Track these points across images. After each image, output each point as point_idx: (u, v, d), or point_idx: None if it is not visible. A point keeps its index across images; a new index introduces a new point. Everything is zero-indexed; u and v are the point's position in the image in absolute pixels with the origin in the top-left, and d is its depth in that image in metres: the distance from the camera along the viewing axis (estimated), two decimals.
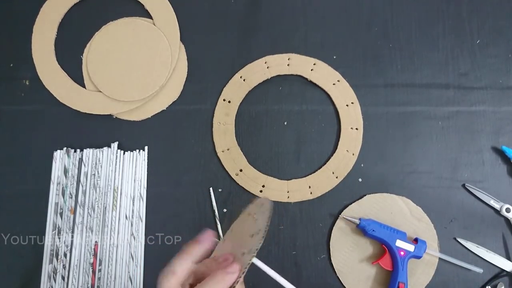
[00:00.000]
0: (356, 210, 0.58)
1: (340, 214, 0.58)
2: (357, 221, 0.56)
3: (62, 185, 0.60)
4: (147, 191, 0.60)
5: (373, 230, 0.55)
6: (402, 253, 0.54)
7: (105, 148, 0.61)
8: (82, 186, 0.60)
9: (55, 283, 0.57)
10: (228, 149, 0.61)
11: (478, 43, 0.64)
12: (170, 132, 0.62)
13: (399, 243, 0.54)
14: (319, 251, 0.58)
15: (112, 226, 0.58)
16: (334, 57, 0.64)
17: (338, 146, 0.60)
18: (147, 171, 0.61)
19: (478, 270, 0.55)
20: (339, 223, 0.58)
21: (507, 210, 0.57)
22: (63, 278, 0.57)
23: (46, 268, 0.57)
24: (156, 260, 0.58)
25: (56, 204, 0.59)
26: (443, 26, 0.65)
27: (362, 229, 0.56)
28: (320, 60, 0.63)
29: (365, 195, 0.59)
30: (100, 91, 0.62)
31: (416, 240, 0.55)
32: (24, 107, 0.63)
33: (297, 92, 0.63)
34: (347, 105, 0.62)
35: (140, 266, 0.58)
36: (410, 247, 0.54)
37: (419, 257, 0.55)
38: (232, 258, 0.35)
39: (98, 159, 0.61)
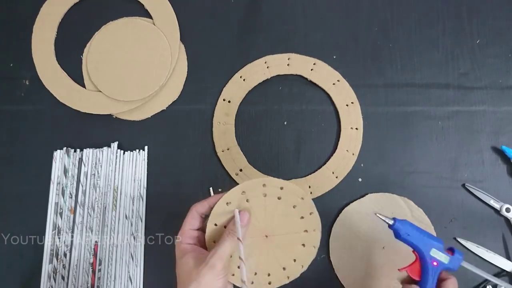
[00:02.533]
0: (357, 209, 0.58)
1: (340, 214, 0.58)
2: (390, 221, 0.48)
3: (62, 185, 0.60)
4: (147, 191, 0.60)
5: (408, 235, 0.48)
6: (435, 263, 0.47)
7: (105, 148, 0.61)
8: (82, 186, 0.60)
9: (55, 283, 0.57)
10: (228, 149, 0.61)
11: (478, 43, 0.64)
12: (170, 132, 0.62)
13: (434, 253, 0.47)
14: (318, 251, 0.58)
15: (112, 226, 0.58)
16: (334, 57, 0.64)
17: (338, 146, 0.60)
18: (147, 171, 0.61)
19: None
20: (338, 223, 0.58)
21: (507, 210, 0.57)
22: (63, 278, 0.57)
23: (46, 268, 0.57)
24: (156, 260, 0.58)
25: (56, 204, 0.59)
26: (443, 26, 0.65)
27: (395, 231, 0.48)
28: (320, 60, 0.63)
29: (367, 194, 0.59)
30: (100, 91, 0.62)
31: (451, 250, 0.48)
32: (24, 107, 0.63)
33: (297, 92, 0.63)
34: (347, 105, 0.62)
35: (140, 266, 0.58)
36: (445, 258, 0.47)
37: (453, 270, 0.48)
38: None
39: (98, 159, 0.61)
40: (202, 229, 0.45)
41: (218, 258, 0.40)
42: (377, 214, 0.50)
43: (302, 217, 0.46)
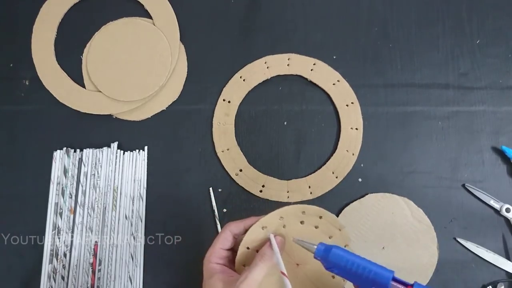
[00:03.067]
0: (358, 209, 0.58)
1: (340, 214, 0.58)
2: (313, 247, 0.38)
3: (62, 185, 0.60)
4: (147, 191, 0.60)
5: (336, 269, 0.37)
6: None
7: (105, 148, 0.61)
8: (82, 186, 0.60)
9: (55, 283, 0.57)
10: (228, 149, 0.61)
11: (478, 43, 0.64)
12: (170, 132, 0.62)
13: None
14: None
15: (112, 226, 0.58)
16: (334, 57, 0.64)
17: (338, 146, 0.60)
18: (147, 171, 0.61)
19: None
20: None
21: (507, 210, 0.57)
22: (63, 278, 0.57)
23: (46, 268, 0.57)
24: (156, 260, 0.58)
25: (56, 204, 0.59)
26: (443, 26, 0.65)
27: (321, 261, 0.39)
28: (320, 60, 0.63)
29: (367, 194, 0.59)
30: (100, 91, 0.62)
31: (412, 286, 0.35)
32: (24, 107, 0.63)
33: (297, 92, 0.63)
34: (347, 105, 0.62)
35: (140, 266, 0.58)
36: None
37: None
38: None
39: (98, 159, 0.61)
40: (234, 249, 0.43)
41: (248, 285, 0.37)
42: (295, 240, 0.41)
43: None
